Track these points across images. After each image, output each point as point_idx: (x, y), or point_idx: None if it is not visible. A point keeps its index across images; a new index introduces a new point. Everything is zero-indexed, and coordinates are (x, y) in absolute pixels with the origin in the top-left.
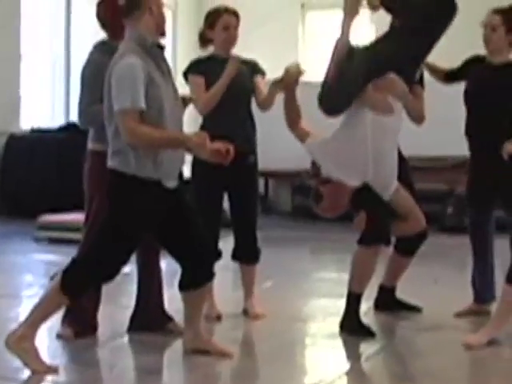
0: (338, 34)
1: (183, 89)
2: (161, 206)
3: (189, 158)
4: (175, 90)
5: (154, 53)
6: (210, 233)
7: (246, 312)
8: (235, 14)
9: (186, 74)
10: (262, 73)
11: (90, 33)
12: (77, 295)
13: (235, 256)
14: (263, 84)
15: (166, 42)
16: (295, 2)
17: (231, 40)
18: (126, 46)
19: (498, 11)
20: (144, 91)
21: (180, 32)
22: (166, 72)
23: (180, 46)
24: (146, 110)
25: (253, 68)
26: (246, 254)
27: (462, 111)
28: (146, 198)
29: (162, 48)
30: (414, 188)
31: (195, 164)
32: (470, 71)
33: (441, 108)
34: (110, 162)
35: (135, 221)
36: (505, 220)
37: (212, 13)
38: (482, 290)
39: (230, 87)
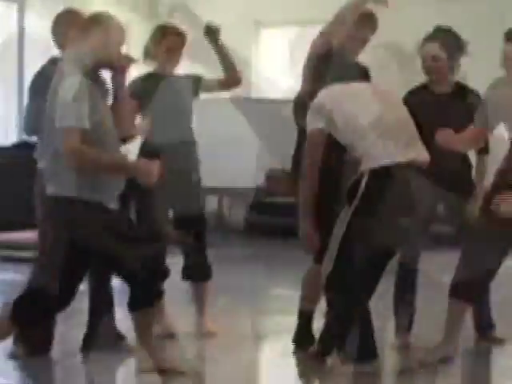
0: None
1: None
2: (104, 227)
3: None
4: (110, 112)
5: (95, 77)
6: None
7: (199, 330)
8: (181, 35)
9: None
10: (200, 77)
11: (43, 49)
12: (27, 325)
13: (185, 275)
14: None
15: None
16: (249, 19)
17: (174, 61)
18: (68, 66)
19: (433, 39)
20: (88, 112)
21: (133, 50)
22: (104, 95)
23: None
24: (88, 131)
25: (193, 81)
26: (197, 272)
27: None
28: (88, 221)
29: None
30: None
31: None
32: (416, 105)
33: None
34: (49, 189)
35: (79, 243)
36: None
37: (158, 31)
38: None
39: (169, 106)
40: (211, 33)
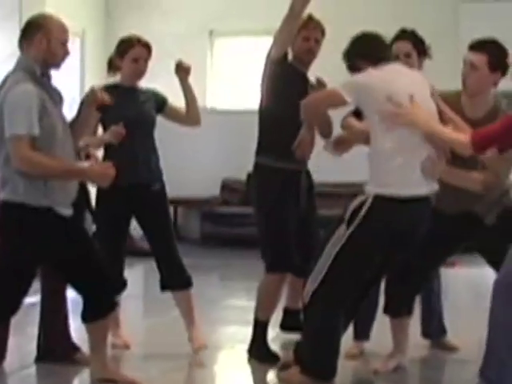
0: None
1: None
2: (55, 233)
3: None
4: (65, 120)
5: (44, 82)
6: (115, 261)
7: (191, 344)
8: (147, 47)
9: None
10: (166, 100)
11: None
12: None
13: (165, 285)
14: (175, 106)
15: (74, 69)
16: (203, 28)
17: (139, 72)
18: (17, 74)
19: (403, 38)
20: (38, 118)
21: (87, 60)
22: (57, 101)
23: (87, 74)
24: (38, 138)
25: (156, 101)
26: (177, 280)
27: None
28: (38, 226)
29: (49, 78)
30: (315, 213)
31: (100, 192)
32: None
33: None
34: (1, 195)
35: (30, 250)
36: None
37: (124, 42)
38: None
39: (131, 117)
40: (182, 70)
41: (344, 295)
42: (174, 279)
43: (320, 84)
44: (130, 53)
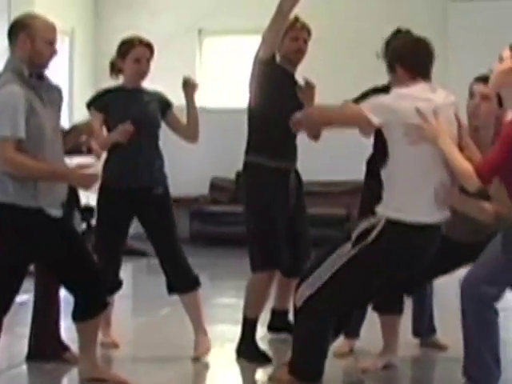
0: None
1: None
2: (47, 233)
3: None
4: (56, 120)
5: (33, 83)
6: (112, 261)
7: (195, 349)
8: (149, 46)
9: (88, 106)
10: (171, 104)
11: None
12: None
13: (173, 288)
14: (178, 116)
15: (63, 68)
16: (192, 28)
17: (142, 73)
18: (5, 75)
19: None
20: (25, 120)
21: (76, 59)
22: (47, 102)
23: (76, 73)
24: (25, 139)
25: (160, 102)
26: (183, 282)
27: (358, 136)
28: (28, 227)
29: (41, 79)
30: (305, 211)
31: (101, 192)
32: None
33: (340, 133)
34: None
35: (24, 250)
36: None
37: (125, 42)
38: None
39: (136, 117)
40: (189, 86)
41: (346, 300)
42: (181, 281)
43: (308, 85)
44: (132, 53)
